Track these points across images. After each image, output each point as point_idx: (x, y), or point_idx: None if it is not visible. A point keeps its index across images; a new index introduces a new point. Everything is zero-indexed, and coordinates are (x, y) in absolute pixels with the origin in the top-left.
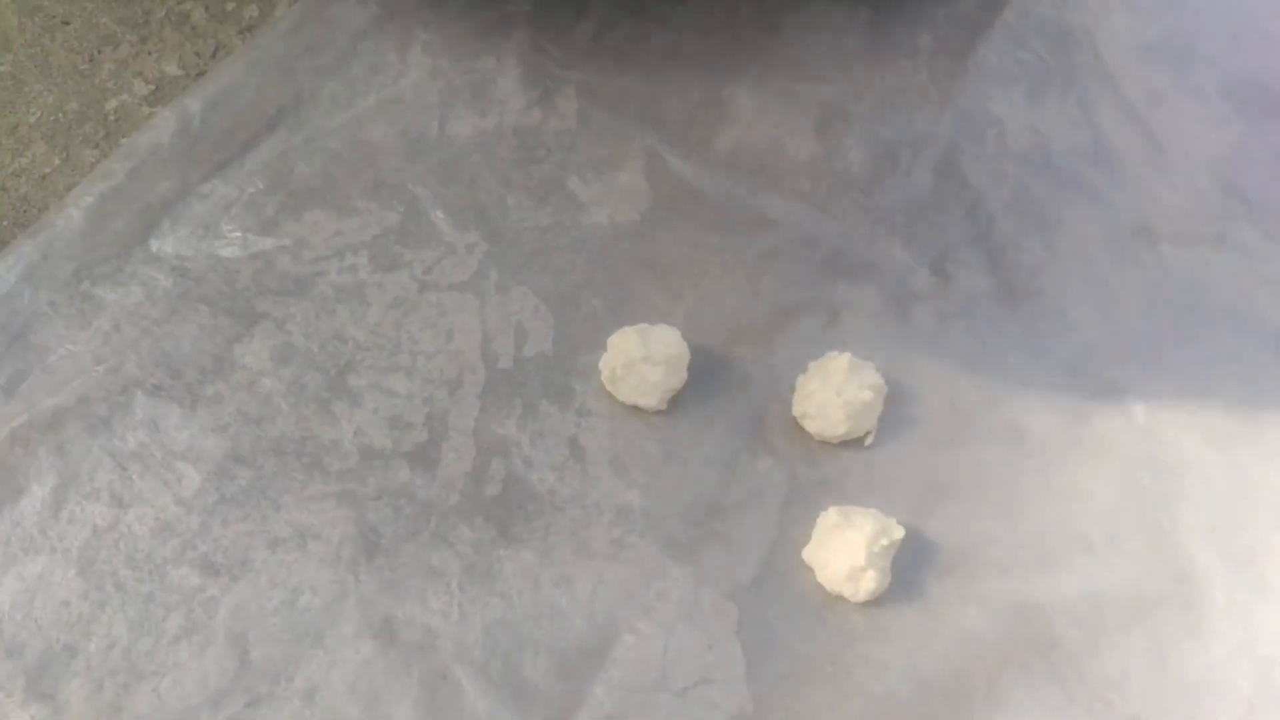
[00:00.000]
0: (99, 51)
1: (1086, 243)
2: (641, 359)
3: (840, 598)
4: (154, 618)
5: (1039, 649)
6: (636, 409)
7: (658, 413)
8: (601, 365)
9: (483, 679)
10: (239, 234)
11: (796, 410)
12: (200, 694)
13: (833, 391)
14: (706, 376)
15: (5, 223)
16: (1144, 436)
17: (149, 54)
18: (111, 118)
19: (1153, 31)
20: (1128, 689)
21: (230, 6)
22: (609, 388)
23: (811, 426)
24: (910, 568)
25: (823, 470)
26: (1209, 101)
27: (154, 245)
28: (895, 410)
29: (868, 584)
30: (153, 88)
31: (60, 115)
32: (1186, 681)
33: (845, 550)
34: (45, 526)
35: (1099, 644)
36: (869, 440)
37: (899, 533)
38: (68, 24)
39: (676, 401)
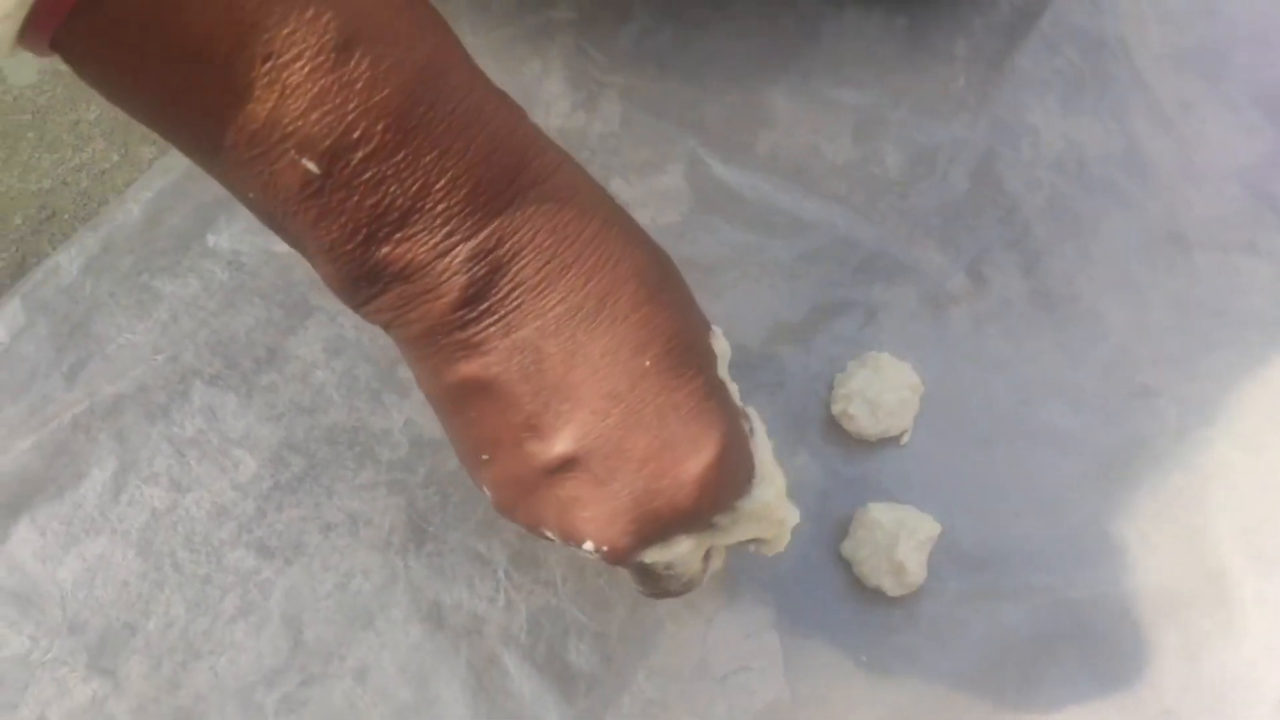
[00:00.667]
0: None
1: (1120, 248)
2: None
3: (877, 592)
4: (211, 598)
5: (1072, 644)
6: None
7: None
8: None
9: (528, 663)
10: None
11: (835, 409)
12: (256, 672)
13: (870, 391)
14: (745, 374)
15: (66, 216)
16: (1176, 438)
17: None
18: None
19: (1186, 41)
20: (1160, 684)
21: None
22: None
23: (849, 425)
24: (945, 563)
25: (860, 467)
26: (1240, 110)
27: (210, 240)
28: (931, 409)
29: (904, 579)
30: None
31: (118, 113)
32: (1218, 678)
33: (882, 546)
34: (105, 509)
35: (1131, 640)
36: (905, 439)
37: (935, 529)
38: None
39: None
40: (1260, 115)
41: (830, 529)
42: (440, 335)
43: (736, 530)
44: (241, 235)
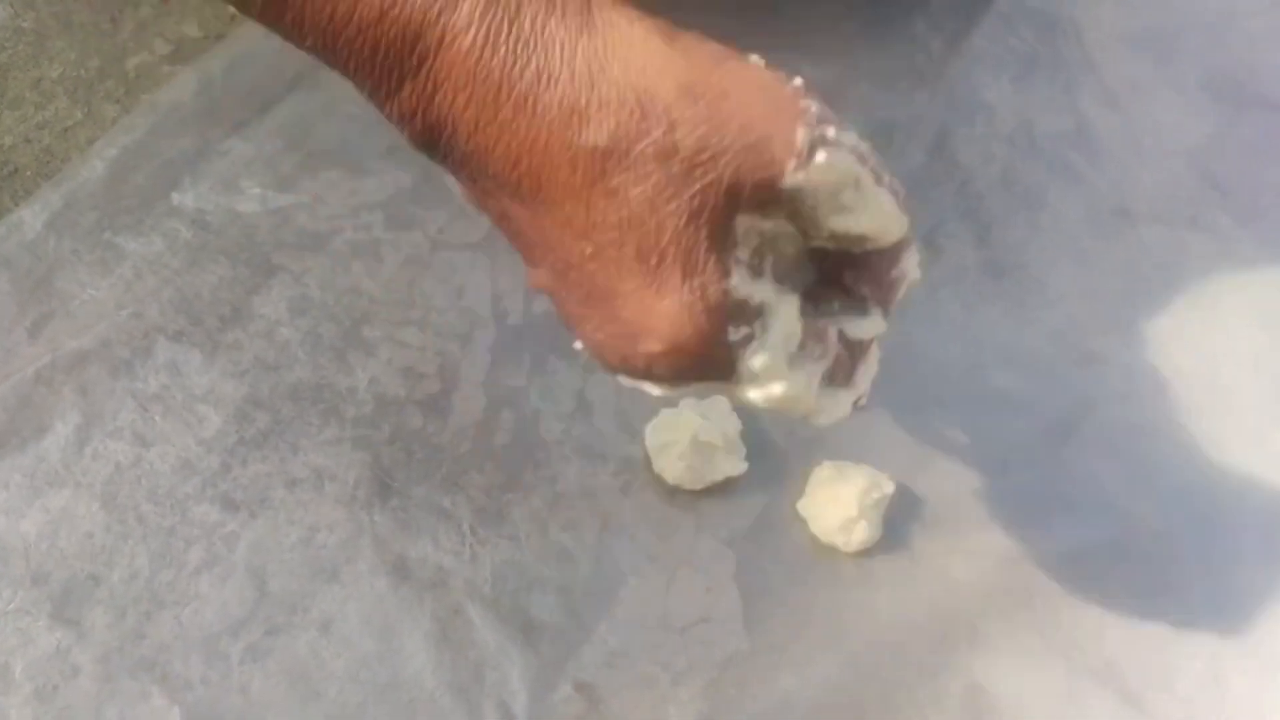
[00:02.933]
0: (120, 12)
1: (1069, 221)
2: None
3: (832, 548)
4: (175, 550)
5: (1020, 599)
6: None
7: None
8: None
9: (493, 615)
10: (258, 190)
11: None
12: (221, 622)
13: None
14: None
15: (29, 173)
16: (1121, 403)
17: (169, 15)
18: (132, 75)
19: (1136, 24)
20: (1103, 636)
21: None
22: None
23: None
24: (899, 520)
25: (817, 428)
26: (1187, 93)
27: (175, 199)
28: (887, 373)
29: (859, 535)
30: (173, 48)
31: (82, 71)
32: (1158, 631)
33: (838, 503)
34: (70, 462)
35: (1077, 595)
36: (862, 401)
37: (890, 487)
38: None
39: None
40: (1206, 98)
41: (788, 487)
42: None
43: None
44: (206, 194)
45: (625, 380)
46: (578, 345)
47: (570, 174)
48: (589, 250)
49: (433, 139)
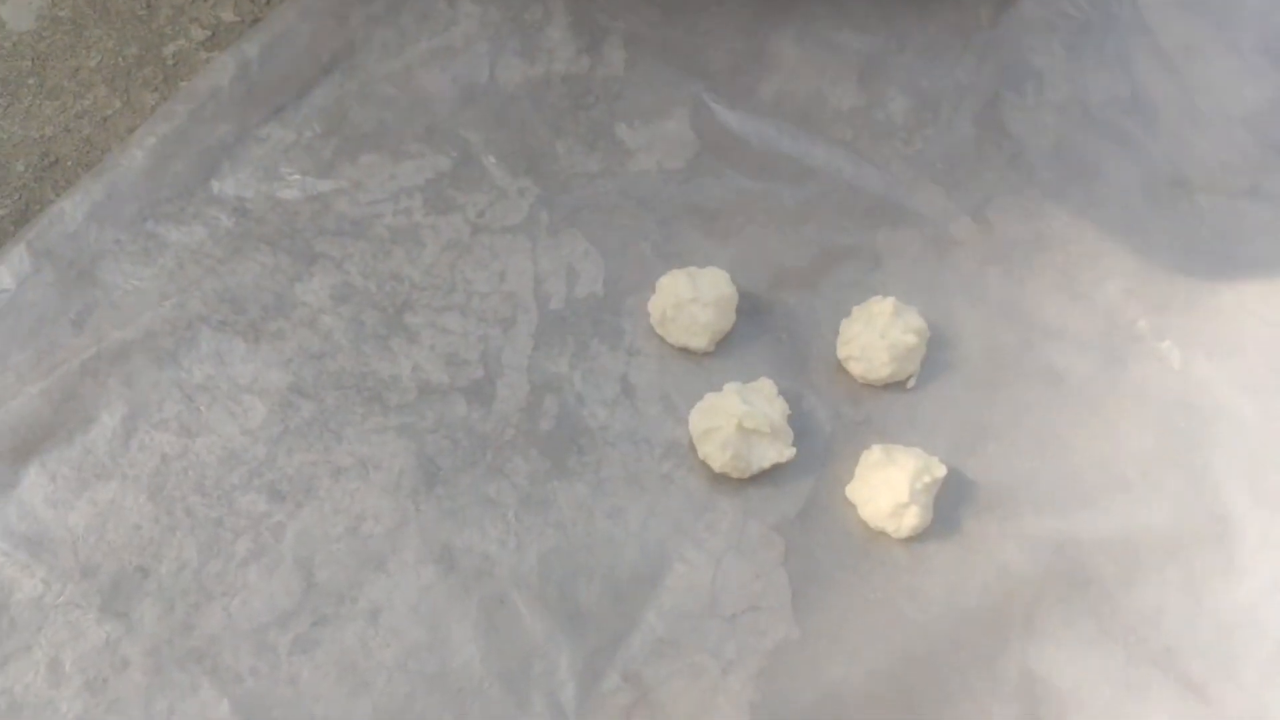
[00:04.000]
0: None
1: (1124, 192)
2: (691, 300)
3: (883, 533)
4: (223, 541)
5: (1076, 584)
6: (685, 350)
7: (705, 354)
8: (651, 307)
9: (539, 604)
10: (297, 176)
11: (841, 353)
12: (269, 613)
13: (876, 335)
14: (752, 319)
15: (70, 163)
16: (1179, 381)
17: (205, 0)
18: (170, 62)
19: None
20: (1162, 623)
21: None
22: (658, 330)
23: (855, 369)
24: (951, 504)
25: (866, 410)
26: (1245, 56)
27: (215, 186)
28: (937, 353)
29: (910, 520)
30: (209, 33)
31: (120, 59)
32: (1219, 617)
33: (888, 487)
34: (116, 454)
35: (1134, 580)
36: (911, 383)
37: (941, 470)
38: None
39: (724, 343)
40: (1266, 61)
41: (837, 472)
42: None
43: None
44: (246, 181)
45: None
46: None
47: None
48: None
49: None
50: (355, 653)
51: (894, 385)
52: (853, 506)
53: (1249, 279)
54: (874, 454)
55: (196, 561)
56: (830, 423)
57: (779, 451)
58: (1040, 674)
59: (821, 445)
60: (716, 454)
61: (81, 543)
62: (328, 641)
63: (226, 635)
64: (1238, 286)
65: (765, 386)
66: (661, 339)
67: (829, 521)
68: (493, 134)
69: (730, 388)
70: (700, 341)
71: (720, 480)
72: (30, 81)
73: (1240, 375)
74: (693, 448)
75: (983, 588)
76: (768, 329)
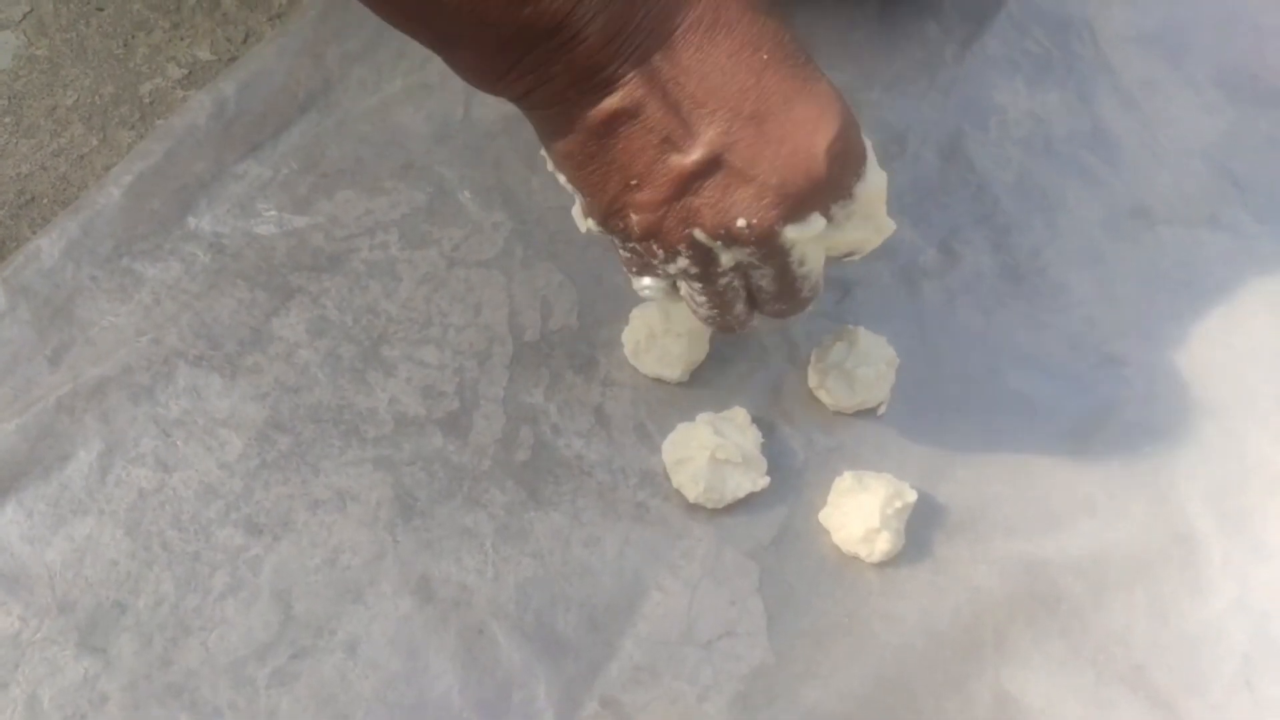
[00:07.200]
0: (133, 36)
1: (1086, 223)
2: (664, 331)
3: (855, 558)
4: (200, 575)
5: (1045, 604)
6: (659, 380)
7: (679, 384)
8: (625, 338)
9: (517, 633)
10: (274, 212)
11: (812, 382)
12: (247, 646)
13: (847, 364)
14: (725, 349)
15: (46, 201)
16: (1144, 405)
17: (181, 39)
18: (146, 100)
19: (1149, 23)
20: (1131, 641)
21: None
22: (632, 360)
23: (826, 398)
24: (922, 529)
25: (837, 438)
26: (1202, 90)
27: (192, 223)
28: (906, 381)
29: (882, 544)
30: (186, 72)
31: (96, 98)
32: (1186, 634)
33: (860, 513)
34: (93, 490)
35: (1102, 600)
36: (882, 410)
37: (911, 496)
38: (102, 10)
39: (698, 373)
40: (1220, 95)
41: (810, 498)
42: (583, 81)
43: (850, 226)
44: (223, 218)
45: (794, 227)
46: (744, 221)
47: None
48: (764, 58)
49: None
50: (334, 685)
51: (865, 413)
52: (826, 532)
53: (1210, 305)
54: (846, 480)
55: (174, 596)
56: (803, 450)
57: (753, 481)
58: (1012, 693)
59: (794, 473)
60: (690, 485)
61: (58, 579)
62: (306, 674)
63: (205, 669)
64: (1199, 312)
65: (738, 415)
66: (635, 369)
67: (802, 547)
68: (467, 169)
69: (703, 418)
70: (674, 372)
71: (695, 508)
72: (6, 120)
73: (1203, 399)
74: (668, 476)
75: (954, 610)
76: (741, 358)
